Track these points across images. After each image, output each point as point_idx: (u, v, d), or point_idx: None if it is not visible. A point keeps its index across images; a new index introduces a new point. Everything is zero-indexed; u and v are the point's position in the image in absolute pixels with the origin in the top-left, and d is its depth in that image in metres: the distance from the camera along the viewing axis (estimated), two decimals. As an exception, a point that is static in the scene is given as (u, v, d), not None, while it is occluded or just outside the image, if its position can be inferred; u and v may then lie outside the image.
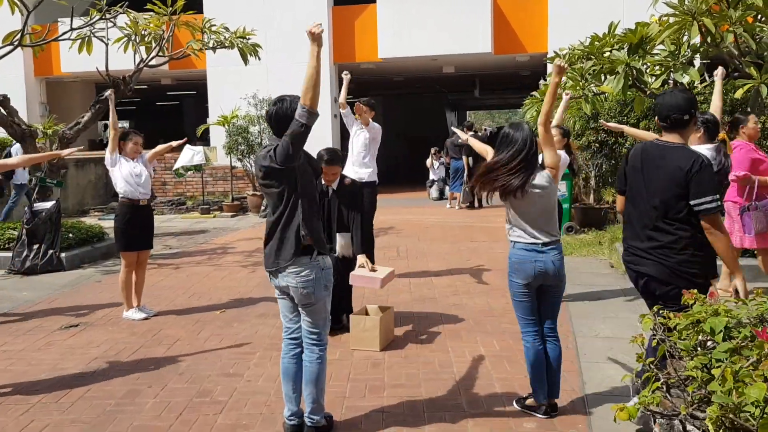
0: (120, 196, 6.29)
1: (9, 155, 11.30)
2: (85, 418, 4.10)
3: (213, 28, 9.63)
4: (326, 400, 4.22)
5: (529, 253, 3.79)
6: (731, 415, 1.55)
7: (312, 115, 3.40)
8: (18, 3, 7.77)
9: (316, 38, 3.35)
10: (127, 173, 6.23)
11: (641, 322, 2.41)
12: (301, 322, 3.77)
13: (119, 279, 6.36)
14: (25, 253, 8.48)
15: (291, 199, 3.60)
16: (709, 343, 2.07)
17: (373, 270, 5.10)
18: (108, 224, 11.50)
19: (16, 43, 8.04)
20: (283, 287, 3.69)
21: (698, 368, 1.85)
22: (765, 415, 1.51)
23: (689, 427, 2.04)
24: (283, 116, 3.55)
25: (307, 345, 3.76)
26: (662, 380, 1.96)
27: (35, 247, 8.52)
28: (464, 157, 14.19)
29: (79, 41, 8.74)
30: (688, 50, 6.71)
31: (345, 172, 7.41)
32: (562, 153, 6.20)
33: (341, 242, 5.50)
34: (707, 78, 9.00)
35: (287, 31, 15.61)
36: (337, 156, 5.33)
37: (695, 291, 2.42)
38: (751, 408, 1.55)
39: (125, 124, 38.36)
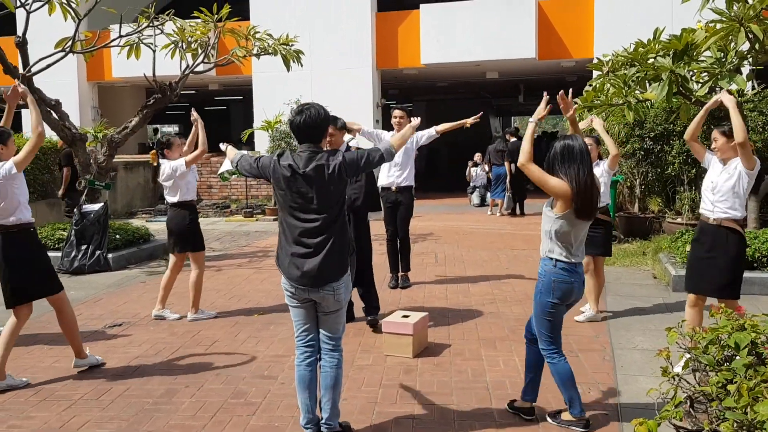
0: (184, 200, 6.34)
1: None
2: (124, 416, 4.22)
3: (257, 35, 9.80)
4: (357, 405, 4.27)
5: (569, 273, 3.77)
6: (746, 433, 1.52)
7: (393, 155, 3.79)
8: (70, 10, 8.06)
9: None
10: (192, 177, 6.45)
11: (667, 336, 2.37)
12: (321, 329, 3.77)
13: (166, 279, 6.43)
14: (73, 254, 8.75)
15: (342, 212, 3.69)
16: (738, 359, 2.03)
17: (405, 316, 5.33)
18: (155, 226, 11.81)
19: (67, 49, 8.33)
20: (314, 297, 3.68)
21: (721, 384, 1.81)
22: (781, 435, 1.48)
23: (715, 444, 2.00)
24: (312, 124, 3.62)
25: (327, 351, 3.75)
26: (686, 395, 1.93)
27: (83, 247, 8.78)
28: (506, 164, 14.06)
29: (127, 47, 9.00)
30: (735, 57, 6.55)
31: (382, 178, 7.53)
32: (602, 164, 6.12)
33: None
34: (755, 85, 8.78)
35: (331, 37, 15.77)
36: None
37: (722, 305, 2.37)
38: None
39: (175, 127, 39.23)
